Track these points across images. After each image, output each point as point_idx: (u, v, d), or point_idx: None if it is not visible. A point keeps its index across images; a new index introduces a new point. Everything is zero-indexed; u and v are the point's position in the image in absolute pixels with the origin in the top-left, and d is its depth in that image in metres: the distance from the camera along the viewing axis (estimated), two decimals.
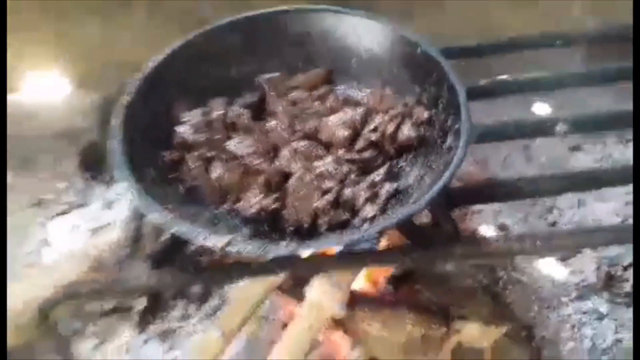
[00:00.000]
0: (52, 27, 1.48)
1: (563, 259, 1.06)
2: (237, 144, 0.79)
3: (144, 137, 0.75)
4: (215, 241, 0.61)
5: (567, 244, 0.71)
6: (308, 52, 0.90)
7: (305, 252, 0.65)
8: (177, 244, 0.73)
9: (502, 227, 1.12)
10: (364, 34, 0.87)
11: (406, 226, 0.77)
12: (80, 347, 0.97)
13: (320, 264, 0.72)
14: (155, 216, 0.63)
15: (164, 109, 0.81)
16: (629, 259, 1.04)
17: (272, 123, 0.82)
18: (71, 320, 0.99)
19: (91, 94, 1.48)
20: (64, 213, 1.28)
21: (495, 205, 1.15)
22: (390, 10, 0.97)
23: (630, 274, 1.01)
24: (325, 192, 0.73)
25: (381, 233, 0.83)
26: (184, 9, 1.47)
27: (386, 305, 0.83)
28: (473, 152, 1.27)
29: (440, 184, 0.65)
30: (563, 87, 0.95)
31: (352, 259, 0.72)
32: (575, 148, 1.25)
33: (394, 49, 0.85)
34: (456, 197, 0.78)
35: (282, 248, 0.61)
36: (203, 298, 1.03)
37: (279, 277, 0.83)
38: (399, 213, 0.67)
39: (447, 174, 0.65)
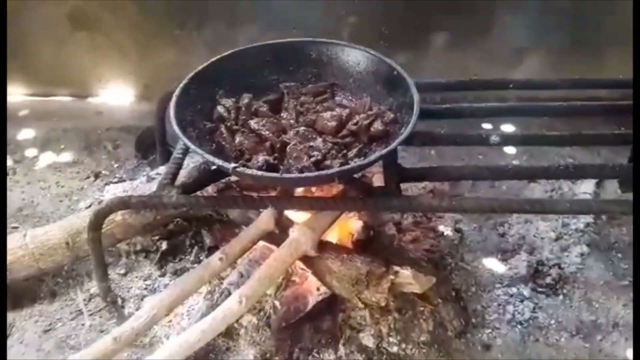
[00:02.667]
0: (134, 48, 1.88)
1: (504, 259, 1.31)
2: (255, 123, 1.11)
3: (193, 112, 1.10)
4: (229, 165, 0.92)
5: (474, 207, 0.99)
6: (319, 71, 1.24)
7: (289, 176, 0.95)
8: (205, 177, 1.05)
9: (457, 231, 1.37)
10: (361, 61, 1.21)
11: (364, 186, 1.07)
12: (111, 273, 1.24)
13: (303, 201, 1.02)
14: (192, 147, 0.95)
15: (208, 97, 1.15)
16: (554, 261, 1.28)
17: (284, 114, 1.16)
18: (107, 253, 1.25)
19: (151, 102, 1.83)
20: (116, 183, 1.59)
21: (457, 215, 1.41)
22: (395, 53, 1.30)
23: (553, 271, 1.24)
24: (311, 156, 1.03)
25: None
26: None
27: (347, 251, 1.09)
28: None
29: (389, 148, 0.95)
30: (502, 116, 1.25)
31: (328, 201, 1.02)
32: (532, 180, 1.51)
33: (379, 72, 1.18)
34: (405, 172, 1.06)
35: (281, 174, 0.92)
36: (213, 249, 1.30)
37: (270, 225, 1.11)
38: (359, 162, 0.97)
39: (397, 140, 0.95)
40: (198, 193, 1.08)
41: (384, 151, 0.95)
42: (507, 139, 1.20)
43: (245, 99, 1.17)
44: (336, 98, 1.23)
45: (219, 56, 1.21)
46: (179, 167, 1.10)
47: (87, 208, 1.50)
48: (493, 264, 1.30)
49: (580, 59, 1.69)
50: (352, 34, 1.70)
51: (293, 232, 1.07)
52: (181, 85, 1.12)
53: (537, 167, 1.27)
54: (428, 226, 1.36)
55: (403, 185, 1.01)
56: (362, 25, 1.71)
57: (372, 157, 0.95)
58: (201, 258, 1.30)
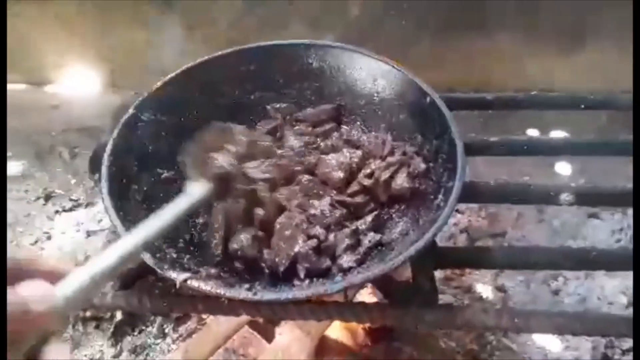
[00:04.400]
0: (96, 27, 1.52)
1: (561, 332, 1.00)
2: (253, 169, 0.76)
3: (140, 159, 0.76)
4: (176, 275, 0.60)
5: (546, 326, 0.66)
6: (321, 86, 0.89)
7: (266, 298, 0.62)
8: (147, 269, 0.72)
9: (499, 289, 1.07)
10: (378, 77, 0.86)
11: (383, 281, 0.75)
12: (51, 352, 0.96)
13: (293, 309, 0.69)
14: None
15: (167, 129, 0.81)
16: (629, 342, 0.97)
17: (281, 152, 0.81)
18: None
19: (121, 94, 1.50)
20: (70, 210, 1.29)
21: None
22: (417, 56, 0.95)
23: (628, 359, 0.94)
24: (311, 237, 0.71)
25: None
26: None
27: (360, 358, 0.79)
28: (484, 207, 1.23)
29: (420, 243, 0.62)
30: (579, 154, 0.90)
31: (324, 309, 0.69)
32: (593, 215, 1.18)
33: (404, 95, 0.83)
34: (442, 258, 0.74)
35: (243, 291, 0.59)
36: (181, 319, 1.01)
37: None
38: (374, 269, 0.64)
39: (429, 234, 0.62)
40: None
41: (415, 246, 0.62)
42: (582, 198, 0.85)
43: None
44: (342, 128, 0.89)
45: (185, 67, 0.86)
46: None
47: (31, 245, 1.21)
48: (546, 341, 1.00)
49: None
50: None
51: (281, 335, 0.77)
52: (123, 119, 0.78)
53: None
54: (461, 285, 1.05)
55: None
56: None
57: (402, 255, 0.62)
58: (167, 330, 1.01)
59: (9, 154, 1.44)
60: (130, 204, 0.71)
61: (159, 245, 0.66)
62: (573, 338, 0.99)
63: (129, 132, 0.77)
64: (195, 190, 0.63)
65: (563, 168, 1.19)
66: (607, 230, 1.17)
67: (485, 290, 1.06)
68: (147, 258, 0.60)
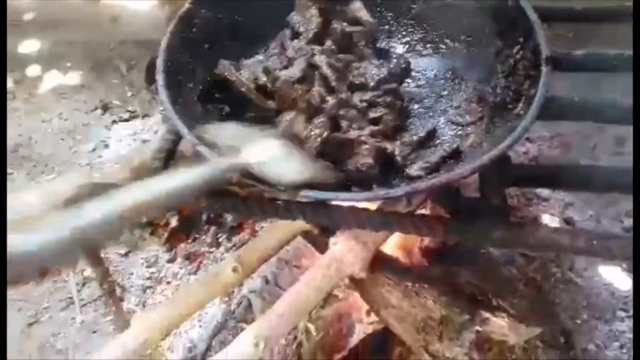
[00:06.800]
0: None
1: (630, 269, 0.93)
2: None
3: (195, 51, 0.73)
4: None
5: (627, 252, 0.60)
6: None
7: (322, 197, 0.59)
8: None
9: (567, 221, 1.00)
10: None
11: (450, 196, 0.70)
12: (110, 253, 0.99)
13: (350, 216, 0.65)
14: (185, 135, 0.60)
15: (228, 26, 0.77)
16: None
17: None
18: None
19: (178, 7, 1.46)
20: (126, 120, 1.30)
21: (567, 197, 1.02)
22: None
23: None
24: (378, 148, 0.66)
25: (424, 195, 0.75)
26: None
27: (413, 276, 0.75)
28: (557, 137, 1.14)
29: (494, 152, 0.56)
30: None
31: (383, 218, 0.65)
32: None
33: None
34: (515, 174, 0.68)
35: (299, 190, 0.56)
36: (235, 230, 1.01)
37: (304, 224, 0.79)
38: (441, 177, 0.59)
39: (505, 143, 0.56)
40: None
41: (487, 157, 0.56)
42: None
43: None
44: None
45: None
46: (175, 142, 0.75)
47: (89, 153, 1.23)
48: (615, 277, 0.93)
49: None
50: None
51: (335, 245, 0.74)
52: (180, 12, 0.74)
53: None
54: (528, 214, 0.99)
55: None
56: None
57: (474, 164, 0.56)
58: (220, 240, 1.01)
59: (67, 64, 1.45)
60: (186, 100, 0.68)
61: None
62: None
63: (185, 27, 0.73)
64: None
65: None
66: None
67: (552, 222, 0.99)
68: (203, 150, 0.58)
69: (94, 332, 0.94)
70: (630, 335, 0.86)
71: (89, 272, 1.00)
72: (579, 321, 0.88)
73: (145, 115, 1.28)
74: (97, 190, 0.73)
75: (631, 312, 0.88)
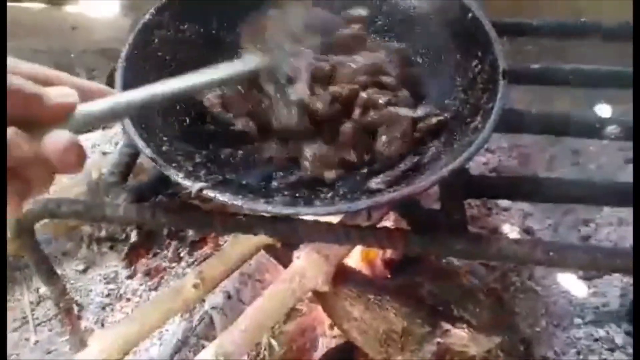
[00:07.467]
0: None
1: (587, 278, 0.96)
2: None
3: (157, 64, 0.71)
4: (192, 184, 0.56)
5: (583, 261, 0.61)
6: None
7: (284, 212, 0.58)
8: (164, 182, 0.69)
9: (527, 231, 1.02)
10: None
11: (410, 208, 0.70)
12: (67, 269, 0.96)
13: (312, 230, 0.65)
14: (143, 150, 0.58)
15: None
16: None
17: None
18: (62, 240, 0.97)
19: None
20: (86, 131, 1.26)
21: (526, 207, 1.05)
22: None
23: None
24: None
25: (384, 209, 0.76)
26: None
27: (375, 288, 0.76)
28: (515, 148, 1.17)
29: (455, 164, 0.57)
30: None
31: (345, 231, 0.65)
32: (630, 161, 1.11)
33: (443, 10, 0.76)
34: (475, 186, 0.69)
35: (260, 204, 0.55)
36: (197, 244, 0.99)
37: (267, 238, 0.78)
38: (402, 190, 0.59)
39: (464, 156, 0.57)
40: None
41: (446, 170, 0.57)
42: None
43: None
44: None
45: None
46: (134, 155, 0.74)
47: None
48: (572, 285, 0.96)
49: None
50: None
51: (298, 260, 0.74)
52: (140, 23, 0.72)
53: None
54: (488, 224, 1.00)
55: None
56: None
57: (432, 177, 0.57)
58: (182, 254, 0.99)
59: None
60: (145, 112, 0.66)
61: (174, 157, 0.62)
62: (601, 283, 0.94)
63: (146, 38, 0.71)
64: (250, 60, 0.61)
65: (605, 110, 1.11)
66: None
67: (512, 231, 1.01)
68: (162, 165, 0.57)
69: (49, 352, 0.91)
70: (587, 342, 0.88)
71: (43, 289, 0.96)
72: (538, 329, 0.90)
73: (104, 127, 1.25)
74: (51, 205, 0.72)
75: (587, 319, 0.91)
